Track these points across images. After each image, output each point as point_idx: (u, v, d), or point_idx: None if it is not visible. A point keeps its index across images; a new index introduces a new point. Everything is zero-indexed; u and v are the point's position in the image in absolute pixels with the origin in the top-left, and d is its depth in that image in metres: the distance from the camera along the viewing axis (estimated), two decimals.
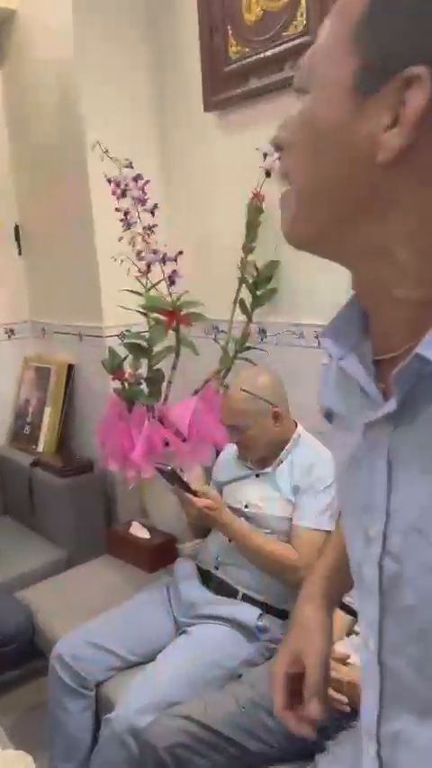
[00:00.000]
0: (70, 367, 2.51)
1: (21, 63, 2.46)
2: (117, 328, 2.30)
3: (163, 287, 1.90)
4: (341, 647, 1.33)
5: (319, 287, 1.87)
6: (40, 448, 2.52)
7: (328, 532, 1.59)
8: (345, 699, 1.19)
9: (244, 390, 1.62)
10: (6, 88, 2.55)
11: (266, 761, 1.29)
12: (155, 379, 1.99)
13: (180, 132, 2.25)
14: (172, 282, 1.79)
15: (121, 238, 1.82)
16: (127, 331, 2.18)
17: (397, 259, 0.53)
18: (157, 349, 1.99)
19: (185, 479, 1.62)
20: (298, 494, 1.61)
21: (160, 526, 2.12)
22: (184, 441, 1.94)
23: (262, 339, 2.08)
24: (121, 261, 1.79)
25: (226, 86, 2.03)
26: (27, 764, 1.02)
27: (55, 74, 2.27)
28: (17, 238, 2.69)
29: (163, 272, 1.80)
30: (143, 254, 1.77)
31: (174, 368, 2.00)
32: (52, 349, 2.65)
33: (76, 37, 2.12)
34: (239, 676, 1.51)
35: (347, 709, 1.20)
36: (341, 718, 1.21)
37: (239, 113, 2.03)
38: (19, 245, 2.70)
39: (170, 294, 1.83)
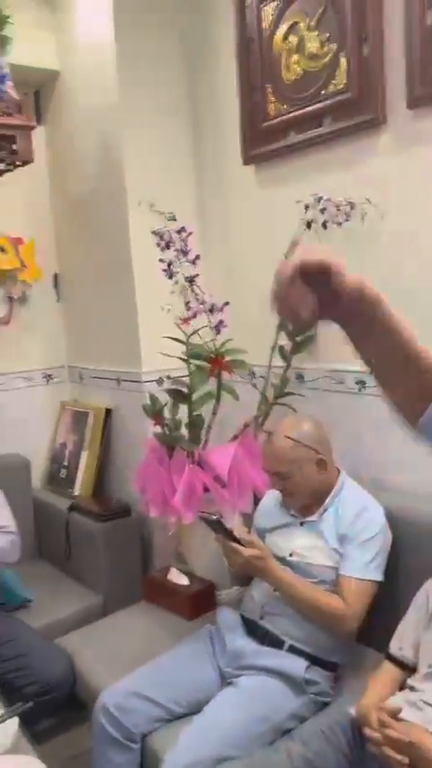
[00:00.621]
0: (107, 411, 2.54)
1: (63, 120, 2.57)
2: (155, 374, 2.34)
3: (203, 333, 1.94)
4: (393, 701, 1.31)
5: None
6: (77, 491, 2.54)
7: (377, 582, 1.58)
8: (406, 759, 1.17)
9: (288, 438, 1.63)
10: (49, 144, 2.65)
11: None
12: (195, 424, 2.01)
13: (218, 185, 2.32)
14: (218, 331, 1.83)
15: (173, 292, 1.87)
16: (167, 377, 2.22)
17: None
18: (197, 395, 2.01)
19: (230, 528, 1.62)
20: (344, 543, 1.60)
21: (199, 572, 2.11)
22: (224, 486, 1.94)
23: (300, 385, 2.09)
24: (168, 310, 1.83)
25: (265, 141, 2.10)
26: None
27: (96, 130, 2.37)
28: (56, 286, 2.76)
29: (209, 321, 1.84)
30: (191, 303, 1.81)
31: (214, 413, 2.02)
32: (89, 394, 2.69)
33: (118, 95, 2.22)
34: (287, 731, 1.48)
35: None
36: None
37: (278, 167, 2.10)
38: (57, 293, 2.77)
39: (214, 342, 1.86)
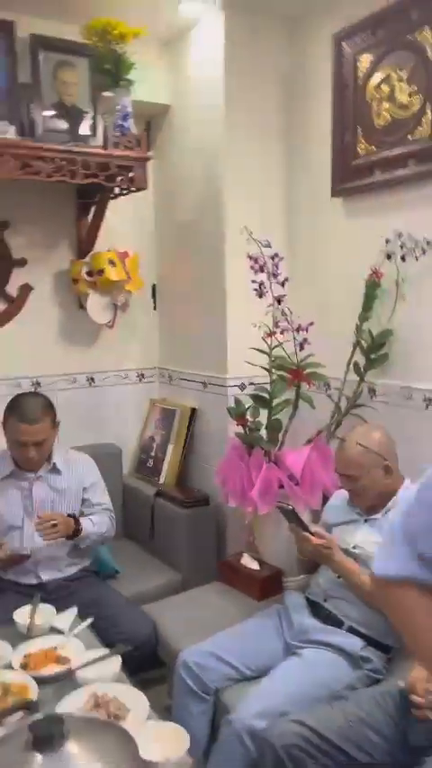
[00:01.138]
0: (193, 410, 2.83)
1: (170, 150, 2.88)
2: (237, 380, 2.61)
3: (285, 347, 2.19)
4: None
5: (428, 354, 2.10)
6: (162, 480, 2.84)
7: None
8: None
9: (359, 444, 1.86)
10: (156, 169, 2.96)
11: None
12: (274, 426, 2.26)
13: (308, 214, 2.57)
14: (302, 348, 2.08)
15: (267, 312, 2.13)
16: (251, 384, 2.49)
17: None
18: (277, 401, 2.27)
19: (302, 518, 1.86)
20: None
21: (269, 559, 2.35)
22: (297, 484, 2.18)
23: (372, 398, 2.30)
24: (259, 327, 2.10)
25: (353, 177, 2.32)
26: (182, 739, 1.27)
27: (201, 161, 2.66)
28: (153, 296, 3.08)
29: (294, 338, 2.09)
30: (279, 322, 2.07)
31: (291, 419, 2.27)
32: (177, 394, 2.98)
33: (224, 131, 2.50)
34: (342, 698, 1.71)
35: None
36: None
37: (362, 201, 2.32)
38: (154, 302, 3.09)
39: (296, 355, 2.11)
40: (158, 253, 3.06)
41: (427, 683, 1.46)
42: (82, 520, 2.16)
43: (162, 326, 3.11)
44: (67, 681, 1.52)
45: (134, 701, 1.44)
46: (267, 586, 2.27)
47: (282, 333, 2.10)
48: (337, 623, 1.85)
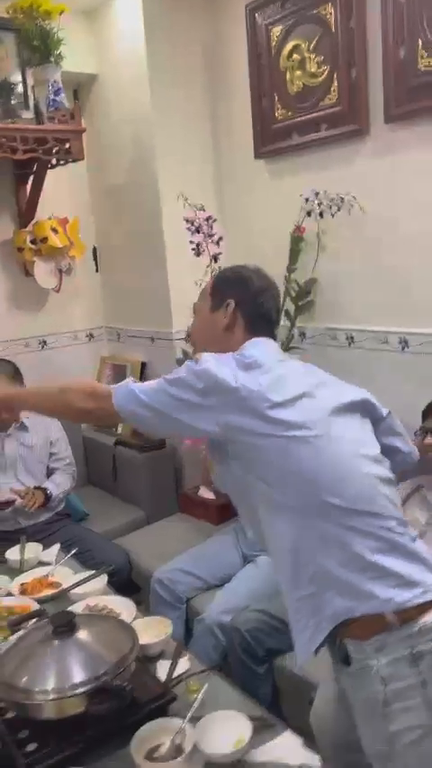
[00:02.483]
0: (143, 364, 3.07)
1: (99, 117, 3.01)
2: (183, 332, 2.85)
3: None
4: None
5: (349, 298, 2.40)
6: (119, 431, 3.08)
7: None
8: None
9: None
10: (87, 137, 3.08)
11: None
12: None
13: (235, 177, 2.79)
14: None
15: (212, 271, 2.37)
16: None
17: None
18: None
19: None
20: None
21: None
22: None
23: (302, 340, 2.60)
24: (200, 284, 2.33)
25: (273, 140, 2.56)
26: (167, 625, 1.57)
27: (130, 128, 2.83)
28: (95, 258, 3.26)
29: None
30: None
31: None
32: (126, 350, 3.21)
33: (150, 99, 2.67)
34: None
35: None
36: None
37: (283, 162, 2.56)
38: (96, 265, 3.27)
39: None
40: (95, 217, 3.23)
41: None
42: (48, 484, 2.44)
43: (105, 287, 3.30)
44: (62, 600, 1.78)
45: (123, 607, 1.72)
46: (223, 512, 2.59)
47: None
48: None
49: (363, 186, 2.24)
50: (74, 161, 2.63)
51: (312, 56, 2.33)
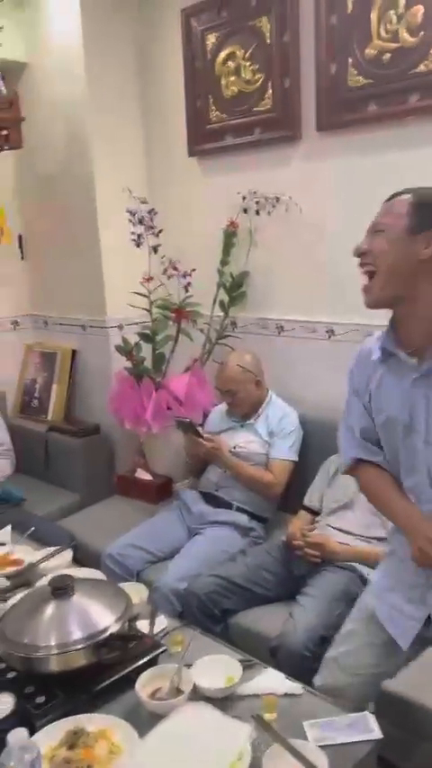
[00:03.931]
0: (74, 352, 3.12)
1: (30, 105, 3.00)
2: (116, 321, 2.94)
3: (160, 291, 2.59)
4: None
5: (279, 290, 2.60)
6: (49, 417, 3.12)
7: (294, 462, 2.34)
8: (317, 553, 1.94)
9: (237, 365, 2.34)
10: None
11: (266, 600, 2.02)
12: (159, 359, 2.65)
13: (169, 172, 2.91)
14: (186, 290, 2.48)
15: (163, 256, 2.52)
16: (127, 324, 2.84)
17: (427, 302, 1.23)
18: (159, 337, 2.66)
19: (197, 428, 2.32)
20: (273, 437, 2.35)
21: (160, 470, 2.80)
22: (181, 405, 2.62)
23: (234, 329, 2.77)
24: (149, 279, 2.46)
25: (207, 140, 2.70)
26: (141, 590, 1.69)
27: (62, 118, 2.87)
28: (20, 246, 3.25)
29: (179, 282, 2.49)
30: (168, 269, 2.45)
31: (172, 351, 2.68)
32: (54, 337, 3.23)
33: (85, 90, 2.73)
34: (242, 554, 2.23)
35: (318, 561, 1.96)
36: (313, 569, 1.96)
37: (217, 161, 2.72)
38: (22, 252, 3.26)
39: (181, 298, 2.52)
40: (21, 205, 3.22)
41: (300, 530, 2.03)
42: None
43: (32, 275, 3.30)
44: (31, 574, 1.84)
45: (92, 578, 1.81)
46: (161, 491, 2.73)
47: (169, 278, 2.48)
48: (227, 506, 2.35)
49: (294, 188, 2.45)
50: (11, 149, 2.64)
51: (248, 64, 2.50)
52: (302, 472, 2.35)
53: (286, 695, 1.36)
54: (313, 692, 1.41)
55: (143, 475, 2.79)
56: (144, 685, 1.34)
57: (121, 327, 2.94)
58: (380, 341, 1.35)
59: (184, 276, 2.49)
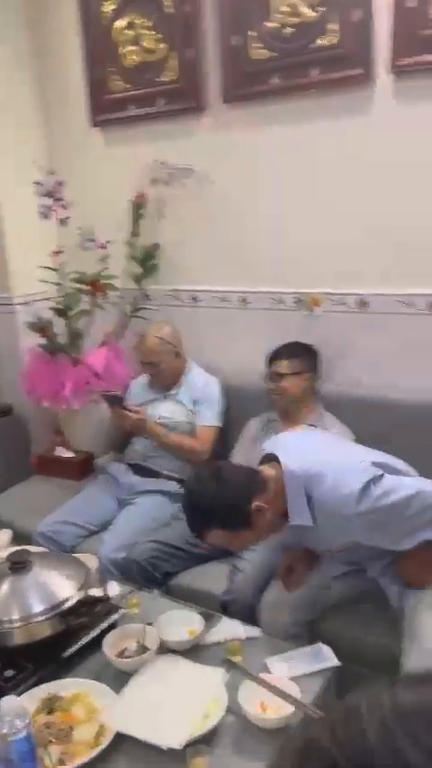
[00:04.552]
0: None
1: None
2: (21, 298, 2.86)
3: (69, 264, 2.56)
4: None
5: (190, 262, 2.65)
6: None
7: (219, 427, 2.42)
8: None
9: (156, 337, 2.37)
10: None
11: (205, 559, 2.10)
12: (75, 334, 2.62)
13: (72, 143, 2.83)
14: (104, 261, 2.46)
15: (79, 228, 2.46)
16: (35, 301, 2.78)
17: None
18: (72, 312, 2.62)
19: (123, 401, 2.33)
20: (197, 405, 2.41)
21: (80, 447, 2.78)
22: (101, 379, 2.61)
23: (147, 302, 2.79)
24: (59, 253, 2.40)
25: (109, 110, 2.67)
26: (90, 560, 1.71)
27: None
28: None
29: (95, 256, 2.47)
30: (86, 243, 2.41)
31: (88, 326, 2.65)
32: None
33: None
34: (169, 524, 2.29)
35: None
36: None
37: (120, 131, 2.69)
38: None
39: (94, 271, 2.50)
40: None
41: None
42: None
43: None
44: None
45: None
46: (83, 467, 2.71)
47: (85, 250, 2.45)
48: (156, 475, 2.40)
49: (201, 159, 2.48)
50: None
51: (149, 32, 2.49)
52: (226, 437, 2.44)
53: (248, 639, 1.45)
54: (268, 633, 1.52)
55: (63, 452, 2.76)
56: (111, 646, 1.38)
57: (28, 304, 2.85)
58: None
59: (103, 247, 2.46)
